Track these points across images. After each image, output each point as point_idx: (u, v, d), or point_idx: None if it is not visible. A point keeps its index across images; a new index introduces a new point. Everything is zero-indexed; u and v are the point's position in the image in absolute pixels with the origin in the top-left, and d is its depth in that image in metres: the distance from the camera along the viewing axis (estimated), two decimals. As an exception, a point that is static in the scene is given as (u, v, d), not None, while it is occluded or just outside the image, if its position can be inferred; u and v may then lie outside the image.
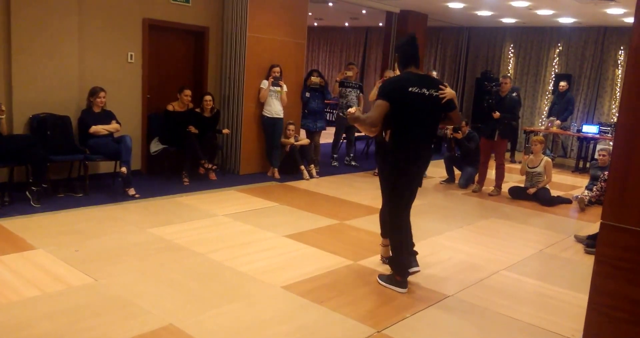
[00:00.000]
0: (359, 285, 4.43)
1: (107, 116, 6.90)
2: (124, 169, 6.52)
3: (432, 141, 4.46)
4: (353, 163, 9.95)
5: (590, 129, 11.12)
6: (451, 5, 10.72)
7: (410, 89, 4.14)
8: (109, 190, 6.95)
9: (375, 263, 4.95)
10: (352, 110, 4.05)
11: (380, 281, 4.48)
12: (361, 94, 9.63)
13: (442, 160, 9.29)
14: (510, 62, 14.03)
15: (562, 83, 11.66)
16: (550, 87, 13.35)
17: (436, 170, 9.72)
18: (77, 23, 6.85)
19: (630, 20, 10.93)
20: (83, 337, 3.32)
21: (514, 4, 9.94)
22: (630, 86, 2.44)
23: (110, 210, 6.10)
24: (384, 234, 4.83)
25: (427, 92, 4.19)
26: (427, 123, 4.30)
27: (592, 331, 2.64)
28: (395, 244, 4.43)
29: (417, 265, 4.53)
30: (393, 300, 4.18)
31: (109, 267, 4.46)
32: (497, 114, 7.81)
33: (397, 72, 8.94)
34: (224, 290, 4.18)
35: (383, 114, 4.11)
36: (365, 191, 7.90)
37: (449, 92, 4.25)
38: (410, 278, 4.57)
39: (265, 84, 8.35)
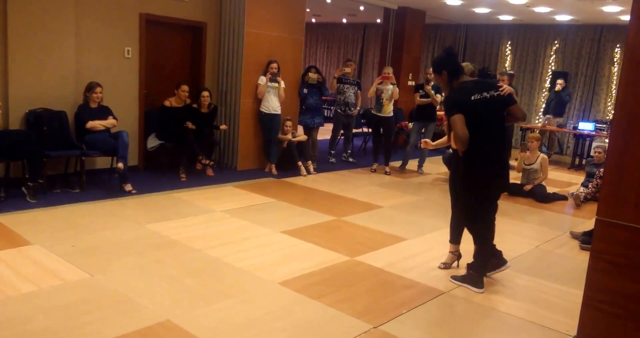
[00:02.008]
0: (355, 281, 4.44)
1: (103, 112, 6.89)
2: (120, 165, 6.51)
3: (504, 142, 4.43)
4: (350, 160, 9.96)
5: (586, 127, 11.15)
6: (449, 2, 10.72)
7: (472, 97, 4.16)
8: (105, 186, 6.95)
9: (372, 258, 4.96)
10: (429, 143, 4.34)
11: (455, 281, 4.53)
12: (359, 91, 9.61)
13: (440, 157, 9.30)
14: (507, 60, 14.04)
15: (559, 81, 11.68)
16: (547, 85, 13.38)
17: (433, 166, 9.75)
18: (74, 18, 6.83)
19: (626, 18, 10.94)
20: (80, 333, 3.33)
21: (511, 1, 9.95)
22: (625, 83, 2.45)
23: (107, 206, 6.10)
24: (452, 240, 4.86)
25: (488, 95, 4.21)
26: (496, 125, 4.31)
27: (586, 326, 2.65)
28: (481, 240, 4.49)
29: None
30: (389, 296, 4.19)
31: (105, 263, 4.46)
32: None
33: (389, 73, 9.01)
34: (221, 285, 4.18)
35: (464, 125, 4.09)
36: (362, 188, 7.91)
37: (507, 88, 4.29)
38: (407, 275, 4.61)
39: (262, 80, 8.34)
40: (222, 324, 3.56)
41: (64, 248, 4.71)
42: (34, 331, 3.31)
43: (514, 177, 8.77)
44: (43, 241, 4.81)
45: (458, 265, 4.86)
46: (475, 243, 4.53)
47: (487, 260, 4.53)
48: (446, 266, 4.86)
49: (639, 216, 2.44)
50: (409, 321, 3.81)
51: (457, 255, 4.88)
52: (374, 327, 3.66)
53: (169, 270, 4.40)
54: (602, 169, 7.71)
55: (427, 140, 4.90)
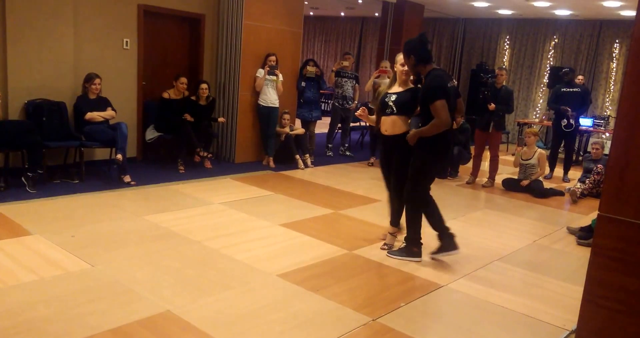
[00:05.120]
0: (354, 274, 4.47)
1: (102, 103, 6.89)
2: (119, 156, 6.52)
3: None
4: (348, 153, 9.98)
5: (584, 122, 11.15)
6: (448, -5, 10.72)
7: (449, 84, 4.49)
8: (104, 177, 6.96)
9: (370, 252, 4.99)
10: (411, 134, 4.55)
11: (393, 256, 4.86)
12: (357, 85, 9.62)
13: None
14: (505, 54, 14.05)
15: (580, 77, 11.60)
16: (545, 80, 13.39)
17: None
18: (72, 9, 6.81)
19: (626, 13, 10.97)
20: (80, 322, 3.34)
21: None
22: (631, 76, 2.44)
23: (106, 197, 6.11)
24: (393, 222, 5.13)
25: (451, 85, 4.59)
26: (454, 113, 4.67)
27: (586, 321, 2.67)
28: (415, 216, 4.80)
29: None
30: (388, 289, 4.22)
31: (105, 253, 4.48)
32: (492, 106, 7.84)
33: (386, 66, 9.05)
34: (220, 277, 4.20)
35: (447, 111, 4.39)
36: (359, 181, 7.93)
37: (454, 81, 4.61)
38: (405, 268, 4.64)
39: (261, 73, 8.34)
40: (222, 315, 3.58)
41: (64, 238, 4.72)
42: (34, 320, 3.33)
43: (512, 172, 8.83)
44: (43, 231, 4.83)
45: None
46: (409, 220, 4.85)
47: (419, 234, 4.85)
48: (389, 247, 5.06)
49: (641, 212, 2.47)
50: (407, 314, 3.83)
51: (396, 236, 5.12)
52: (373, 320, 3.68)
53: (168, 261, 4.42)
54: (599, 165, 7.76)
55: (365, 109, 5.13)
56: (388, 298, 4.05)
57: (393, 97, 4.76)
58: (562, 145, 9.41)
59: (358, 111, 5.12)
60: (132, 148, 7.74)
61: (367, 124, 10.42)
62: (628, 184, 2.47)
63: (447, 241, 4.76)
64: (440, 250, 4.79)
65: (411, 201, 4.80)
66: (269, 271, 4.38)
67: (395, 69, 4.89)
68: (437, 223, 4.80)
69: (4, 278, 3.87)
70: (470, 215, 6.62)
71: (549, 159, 9.31)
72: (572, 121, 8.93)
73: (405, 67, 4.72)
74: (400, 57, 4.77)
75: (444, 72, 4.64)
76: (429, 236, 4.93)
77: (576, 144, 11.36)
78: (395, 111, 4.74)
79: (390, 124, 4.80)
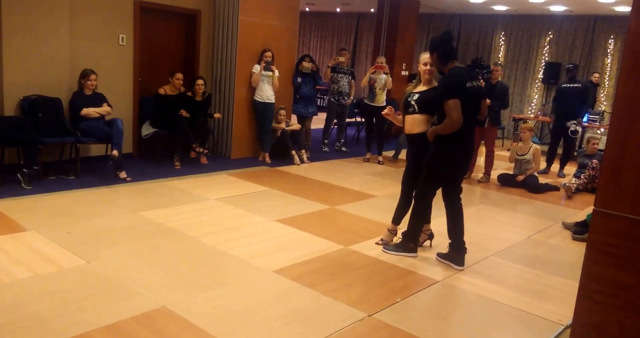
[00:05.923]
0: (350, 270, 4.47)
1: (98, 99, 6.88)
2: (115, 152, 6.51)
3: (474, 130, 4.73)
4: (343, 149, 9.99)
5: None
6: (444, -9, 10.71)
7: (468, 84, 4.37)
8: (100, 173, 6.94)
9: (366, 248, 5.00)
10: (429, 131, 4.51)
11: (388, 252, 4.88)
12: (353, 80, 9.62)
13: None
14: (501, 50, 14.06)
15: (595, 74, 11.56)
16: (540, 76, 13.41)
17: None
18: (68, 4, 6.78)
19: (621, 9, 10.98)
20: (75, 319, 3.34)
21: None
22: (627, 72, 2.44)
23: (102, 193, 6.10)
24: (394, 220, 5.11)
25: (476, 84, 4.48)
26: (476, 113, 4.58)
27: (582, 316, 2.67)
28: (419, 213, 4.79)
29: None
30: (383, 285, 4.22)
31: (101, 249, 4.47)
32: (488, 102, 7.82)
33: (382, 62, 9.03)
34: (216, 273, 4.20)
35: (460, 110, 4.28)
36: (355, 177, 7.93)
37: (482, 81, 4.53)
38: (400, 264, 4.65)
39: (257, 68, 8.33)
40: (218, 311, 3.59)
41: (59, 234, 4.71)
42: (29, 317, 3.32)
43: (507, 167, 8.85)
44: (38, 228, 4.82)
45: (431, 245, 5.11)
46: (412, 216, 4.84)
47: (419, 232, 4.90)
48: (384, 243, 5.07)
49: (636, 207, 2.46)
50: (402, 309, 3.84)
51: (394, 234, 5.10)
52: (368, 315, 3.69)
53: (164, 257, 4.42)
54: (594, 161, 7.78)
55: (392, 108, 5.11)
56: (384, 294, 4.06)
57: (415, 96, 4.74)
58: (560, 142, 9.41)
59: (385, 110, 5.05)
60: (128, 144, 7.73)
61: (363, 120, 10.45)
62: (623, 180, 2.47)
63: (456, 255, 4.71)
64: (446, 257, 4.76)
65: (417, 198, 4.78)
66: (265, 267, 4.38)
67: (418, 68, 4.84)
68: (456, 233, 4.74)
69: None
70: (465, 210, 6.52)
71: (547, 155, 9.33)
72: (578, 128, 8.96)
73: (428, 67, 4.68)
74: (423, 57, 4.73)
75: (466, 71, 4.51)
76: (439, 234, 4.93)
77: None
78: (417, 110, 4.71)
79: (410, 123, 4.78)
